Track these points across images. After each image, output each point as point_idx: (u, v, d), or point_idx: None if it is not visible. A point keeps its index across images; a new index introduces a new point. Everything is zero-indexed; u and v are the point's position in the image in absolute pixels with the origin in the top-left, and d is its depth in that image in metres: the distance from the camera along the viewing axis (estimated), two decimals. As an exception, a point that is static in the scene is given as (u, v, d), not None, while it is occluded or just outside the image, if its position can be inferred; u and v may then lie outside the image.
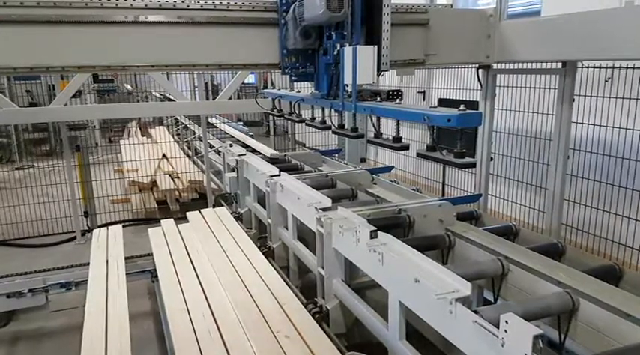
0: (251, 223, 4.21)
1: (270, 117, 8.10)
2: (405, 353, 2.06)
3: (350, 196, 3.57)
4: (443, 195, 6.62)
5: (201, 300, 2.68)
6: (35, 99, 10.43)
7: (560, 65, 3.37)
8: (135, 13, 2.63)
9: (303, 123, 3.47)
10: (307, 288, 3.11)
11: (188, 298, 2.71)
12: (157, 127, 11.75)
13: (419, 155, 2.47)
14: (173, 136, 11.21)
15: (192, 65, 2.86)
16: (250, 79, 12.82)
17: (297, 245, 3.21)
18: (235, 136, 5.50)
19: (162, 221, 4.11)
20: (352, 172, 3.94)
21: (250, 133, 8.14)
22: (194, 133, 9.99)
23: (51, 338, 3.91)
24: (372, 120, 2.66)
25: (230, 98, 6.35)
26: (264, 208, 3.71)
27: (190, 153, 9.81)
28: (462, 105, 2.06)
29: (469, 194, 5.25)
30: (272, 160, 4.08)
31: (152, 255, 3.55)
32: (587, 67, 4.11)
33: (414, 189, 3.63)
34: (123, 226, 4.30)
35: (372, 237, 2.23)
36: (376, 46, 2.52)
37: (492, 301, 2.41)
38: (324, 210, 2.73)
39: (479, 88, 3.93)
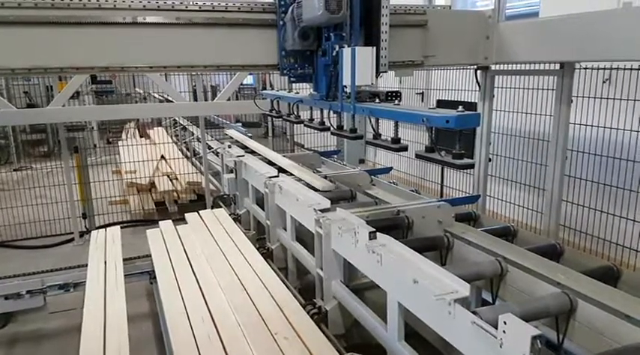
0: (250, 224, 4.21)
1: (269, 118, 8.11)
2: (403, 354, 2.06)
3: (349, 197, 3.57)
4: (441, 196, 6.62)
5: (200, 302, 2.67)
6: (33, 100, 10.41)
7: (558, 66, 3.38)
8: (133, 14, 2.63)
9: (302, 125, 3.47)
10: (306, 289, 3.12)
11: (187, 299, 2.71)
12: (155, 128, 11.73)
13: (417, 156, 2.47)
14: (171, 137, 11.20)
15: (190, 66, 2.85)
16: (249, 80, 12.81)
17: (295, 246, 3.21)
18: (265, 155, 4.49)
19: (160, 222, 4.10)
20: (351, 173, 3.95)
21: (249, 134, 8.13)
22: (192, 134, 9.99)
23: (49, 339, 3.90)
24: (370, 121, 2.66)
25: (229, 99, 6.34)
26: (263, 209, 3.71)
27: (189, 154, 9.80)
28: (460, 107, 2.07)
29: (468, 195, 5.25)
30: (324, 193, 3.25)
31: (150, 256, 3.55)
32: (586, 68, 4.12)
33: (412, 190, 3.63)
34: (121, 227, 4.30)
35: (370, 238, 2.24)
36: (375, 47, 2.52)
37: (491, 302, 2.41)
38: (323, 211, 2.73)
39: (477, 89, 3.93)
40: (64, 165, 5.92)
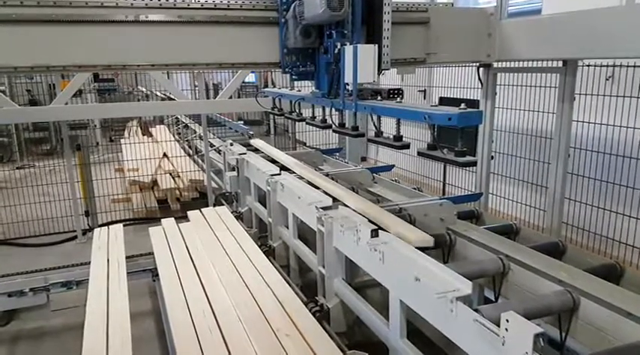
0: (252, 222, 4.21)
1: (271, 116, 8.09)
2: (405, 352, 2.06)
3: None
4: (444, 193, 6.61)
5: (202, 299, 2.68)
6: (35, 97, 10.44)
7: (560, 64, 3.36)
8: (135, 12, 2.63)
9: (304, 122, 3.47)
10: (308, 287, 3.12)
11: (189, 297, 2.72)
12: (157, 126, 11.74)
13: (420, 154, 2.47)
14: (174, 135, 11.21)
15: (192, 64, 2.85)
16: (251, 77, 12.81)
17: (297, 244, 3.21)
18: (311, 179, 3.45)
19: (162, 220, 4.11)
20: (353, 171, 3.94)
21: (251, 132, 8.13)
22: (195, 132, 9.99)
23: (52, 337, 3.91)
24: (372, 119, 2.65)
25: (230, 97, 6.34)
26: (265, 207, 3.71)
27: (191, 152, 9.81)
28: (462, 104, 2.06)
29: (470, 193, 5.25)
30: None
31: (153, 254, 3.55)
32: (588, 66, 4.10)
33: (414, 188, 3.63)
34: (124, 225, 4.30)
35: (372, 236, 2.24)
36: (377, 45, 2.52)
37: (493, 300, 2.41)
38: (325, 208, 2.73)
39: (480, 86, 3.92)
40: (66, 163, 5.94)
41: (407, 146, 2.54)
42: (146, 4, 2.64)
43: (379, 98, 2.63)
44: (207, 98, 8.67)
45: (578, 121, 4.00)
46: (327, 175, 3.79)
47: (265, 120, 11.85)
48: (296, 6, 2.75)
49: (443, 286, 1.78)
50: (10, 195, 6.51)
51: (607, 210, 4.28)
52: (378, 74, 2.57)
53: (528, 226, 4.43)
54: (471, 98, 5.36)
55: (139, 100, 12.68)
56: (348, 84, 2.62)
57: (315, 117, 3.36)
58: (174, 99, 6.44)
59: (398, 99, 2.61)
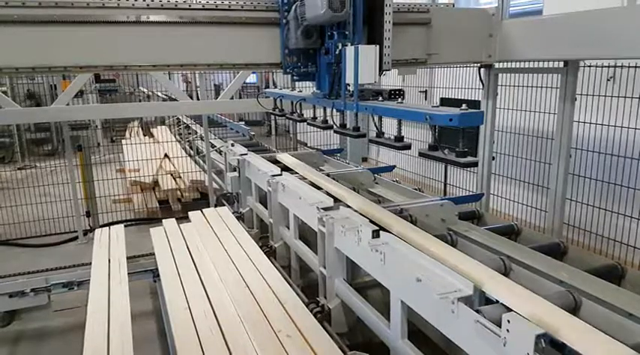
0: (253, 223, 4.21)
1: (272, 116, 8.09)
2: (406, 353, 2.06)
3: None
4: (445, 194, 6.61)
5: (203, 299, 2.68)
6: (36, 96, 10.46)
7: (562, 64, 3.36)
8: (137, 13, 2.63)
9: (305, 123, 3.47)
10: (309, 288, 3.12)
11: (190, 297, 2.72)
12: (158, 127, 11.76)
13: (421, 154, 2.46)
14: (175, 136, 11.22)
15: (193, 65, 2.86)
16: (252, 78, 12.83)
17: (298, 244, 3.21)
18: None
19: (164, 220, 4.11)
20: (354, 172, 3.94)
21: (252, 133, 8.13)
22: (196, 133, 9.99)
23: (53, 337, 3.92)
24: (373, 119, 2.65)
25: (232, 98, 6.35)
26: (266, 208, 3.71)
27: (192, 152, 9.82)
28: (463, 105, 2.06)
29: (471, 193, 5.24)
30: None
31: (154, 254, 3.55)
32: (590, 66, 4.10)
33: (415, 189, 3.63)
34: (125, 226, 4.31)
35: (373, 237, 2.23)
36: (378, 46, 2.52)
37: (494, 301, 2.40)
38: (326, 209, 2.73)
39: (481, 87, 3.92)
40: (67, 164, 5.94)
41: (408, 147, 2.54)
42: (147, 5, 2.64)
43: (380, 99, 2.63)
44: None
45: (579, 122, 4.00)
46: (328, 176, 3.79)
47: (266, 121, 11.87)
48: (297, 7, 2.75)
49: (444, 287, 1.78)
50: (11, 196, 6.52)
51: (608, 210, 4.27)
52: (379, 75, 2.58)
53: (529, 227, 4.43)
54: (472, 99, 5.37)
55: (140, 101, 12.70)
56: (349, 84, 2.62)
57: (316, 118, 3.36)
58: (175, 100, 6.44)
59: (399, 99, 2.61)
